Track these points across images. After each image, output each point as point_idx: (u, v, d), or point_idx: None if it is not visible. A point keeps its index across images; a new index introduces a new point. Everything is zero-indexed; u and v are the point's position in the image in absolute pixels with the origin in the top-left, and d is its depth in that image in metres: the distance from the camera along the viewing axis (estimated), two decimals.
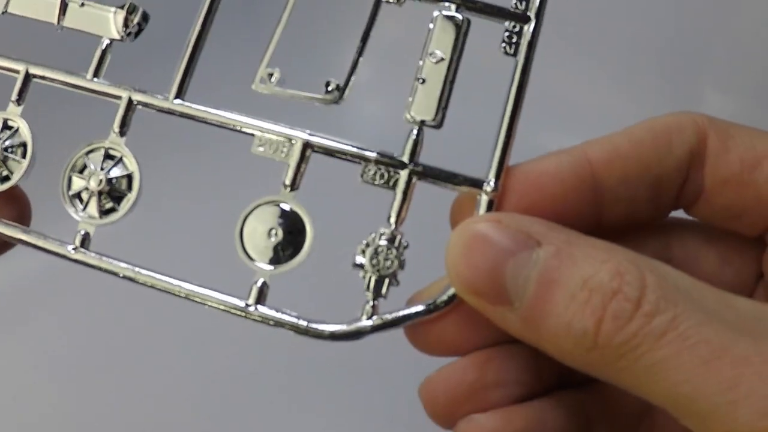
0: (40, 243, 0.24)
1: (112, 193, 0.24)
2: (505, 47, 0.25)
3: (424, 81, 0.24)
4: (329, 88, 0.24)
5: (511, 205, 0.23)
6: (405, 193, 0.24)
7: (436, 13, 0.25)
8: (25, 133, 0.25)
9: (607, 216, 0.24)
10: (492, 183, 0.23)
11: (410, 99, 0.24)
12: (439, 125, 0.24)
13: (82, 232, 0.24)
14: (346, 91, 0.24)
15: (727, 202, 0.24)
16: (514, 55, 0.25)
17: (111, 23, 0.25)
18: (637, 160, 0.24)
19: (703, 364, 0.19)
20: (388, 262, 0.23)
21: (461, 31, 0.25)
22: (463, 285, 0.22)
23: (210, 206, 0.39)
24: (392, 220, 0.23)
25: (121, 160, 0.25)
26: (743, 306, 0.21)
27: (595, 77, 0.54)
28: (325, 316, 0.24)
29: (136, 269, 0.24)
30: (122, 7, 0.25)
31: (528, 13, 0.25)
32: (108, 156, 0.25)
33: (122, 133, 0.25)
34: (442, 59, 0.24)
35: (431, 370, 0.25)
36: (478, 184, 0.24)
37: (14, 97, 0.25)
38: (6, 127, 0.25)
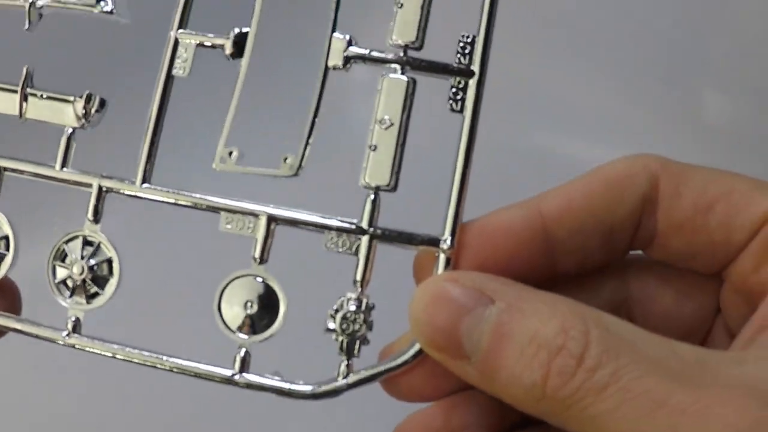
0: (34, 331, 0.26)
1: (95, 279, 0.26)
2: (451, 104, 0.26)
3: (375, 148, 0.25)
4: (287, 162, 0.26)
5: (467, 261, 0.25)
6: (367, 258, 0.25)
7: (381, 76, 0.26)
8: (5, 226, 0.26)
9: (561, 264, 0.25)
10: (448, 241, 0.25)
11: (364, 165, 0.25)
12: (393, 189, 0.25)
13: (73, 318, 0.26)
14: (303, 162, 0.26)
15: (682, 245, 0.25)
16: (461, 111, 0.25)
17: (71, 112, 0.26)
18: (588, 211, 0.25)
19: (643, 415, 0.21)
20: (357, 326, 0.25)
21: (408, 92, 0.25)
22: (425, 341, 0.24)
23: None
24: (357, 284, 0.25)
25: (99, 246, 0.26)
26: (688, 353, 0.22)
27: (593, 78, 0.54)
28: (304, 374, 0.26)
29: (127, 349, 0.26)
30: (81, 97, 0.26)
31: (471, 68, 0.26)
32: (87, 242, 0.26)
33: (96, 220, 0.26)
34: (392, 124, 0.25)
35: None
36: (435, 242, 0.25)
37: None
38: None
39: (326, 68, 0.26)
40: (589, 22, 0.54)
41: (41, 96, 0.27)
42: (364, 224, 0.25)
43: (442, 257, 0.25)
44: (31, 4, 0.27)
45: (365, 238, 0.25)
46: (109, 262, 0.26)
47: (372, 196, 0.25)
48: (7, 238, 0.26)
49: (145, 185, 0.26)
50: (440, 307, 0.23)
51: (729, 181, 0.25)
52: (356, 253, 0.25)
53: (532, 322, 0.22)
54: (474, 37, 0.26)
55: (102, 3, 0.26)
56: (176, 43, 0.26)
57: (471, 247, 0.25)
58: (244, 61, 0.26)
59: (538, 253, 0.25)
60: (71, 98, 0.26)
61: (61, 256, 0.26)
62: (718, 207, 0.25)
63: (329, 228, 0.25)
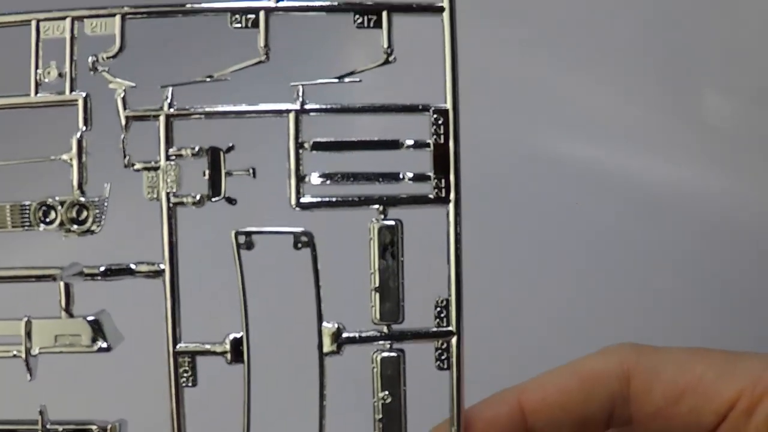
0: None
1: None
2: (438, 365, 0.29)
3: (382, 420, 0.29)
4: None
5: None
6: None
7: (373, 353, 0.29)
8: None
9: None
10: None
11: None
12: None
13: None
14: None
15: (658, 429, 0.29)
16: (447, 368, 0.29)
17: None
18: (561, 406, 0.29)
19: None
20: None
21: (400, 364, 0.29)
22: None
23: None
24: None
25: None
26: None
27: (593, 78, 0.54)
28: None
29: None
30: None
31: (449, 328, 0.29)
32: None
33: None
34: (392, 398, 0.29)
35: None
36: None
37: None
38: None
39: (322, 356, 0.29)
40: (588, 23, 0.54)
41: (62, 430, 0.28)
42: None
43: None
44: (27, 352, 0.27)
45: None
46: None
47: None
48: None
49: None
50: None
51: (698, 368, 0.29)
52: None
53: None
54: (447, 300, 0.29)
55: (98, 342, 0.28)
56: (176, 357, 0.28)
57: None
58: (245, 366, 0.28)
59: None
60: (94, 428, 0.28)
61: None
62: (687, 395, 0.29)
63: None
